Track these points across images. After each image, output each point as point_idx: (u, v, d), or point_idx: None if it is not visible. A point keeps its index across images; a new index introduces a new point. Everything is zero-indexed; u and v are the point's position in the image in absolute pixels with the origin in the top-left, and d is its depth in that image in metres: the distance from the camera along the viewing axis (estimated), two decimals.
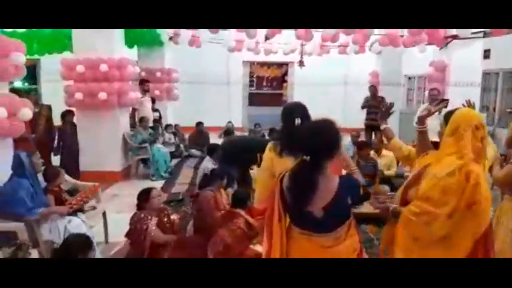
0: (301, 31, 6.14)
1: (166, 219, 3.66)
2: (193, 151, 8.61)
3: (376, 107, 8.46)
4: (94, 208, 3.64)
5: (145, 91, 7.44)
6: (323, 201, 1.79)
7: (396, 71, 10.14)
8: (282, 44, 9.75)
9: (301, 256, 1.85)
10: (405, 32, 6.75)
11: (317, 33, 6.60)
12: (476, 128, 1.89)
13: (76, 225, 3.23)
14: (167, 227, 3.63)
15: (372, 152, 5.87)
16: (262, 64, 13.23)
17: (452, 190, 1.79)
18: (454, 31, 5.96)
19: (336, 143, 1.84)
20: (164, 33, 8.55)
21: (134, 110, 7.35)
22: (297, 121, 2.38)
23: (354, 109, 12.24)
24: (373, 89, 8.66)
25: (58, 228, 3.15)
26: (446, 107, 5.72)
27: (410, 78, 11.22)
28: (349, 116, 11.90)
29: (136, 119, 7.36)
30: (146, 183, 6.54)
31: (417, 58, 9.73)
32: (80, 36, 6.34)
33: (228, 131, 8.97)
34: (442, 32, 6.02)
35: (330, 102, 12.29)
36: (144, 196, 3.43)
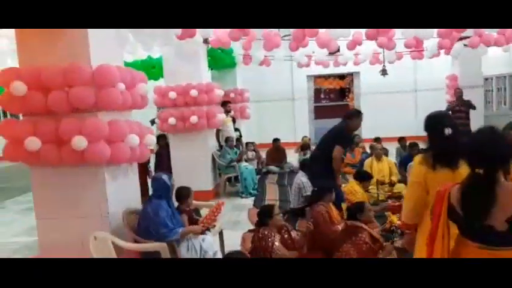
0: (384, 39, 6.08)
1: (286, 236, 3.72)
2: (272, 167, 8.72)
3: (462, 111, 8.14)
4: (214, 226, 3.79)
5: (227, 112, 7.69)
6: (506, 213, 1.72)
7: (476, 73, 9.70)
8: (346, 55, 9.69)
9: None
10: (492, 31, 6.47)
11: (399, 41, 6.49)
12: None
13: (210, 243, 3.38)
14: (289, 243, 3.68)
15: None
16: (326, 77, 13.23)
17: None
18: None
19: (511, 151, 1.80)
20: (238, 55, 8.86)
21: (218, 130, 7.61)
22: (447, 131, 2.31)
23: (423, 116, 11.86)
24: (459, 92, 8.32)
25: (194, 247, 3.31)
26: None
27: (486, 79, 10.70)
28: (420, 124, 11.52)
29: (220, 139, 7.61)
30: (237, 201, 6.77)
31: (493, 58, 9.31)
32: (169, 63, 6.73)
33: (304, 146, 9.00)
34: None
35: (399, 109, 12.03)
36: (268, 213, 3.50)
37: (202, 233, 3.41)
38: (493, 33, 6.20)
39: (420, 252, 2.34)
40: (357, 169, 6.19)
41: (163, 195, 3.28)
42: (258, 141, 10.00)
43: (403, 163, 6.75)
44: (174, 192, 3.58)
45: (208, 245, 3.34)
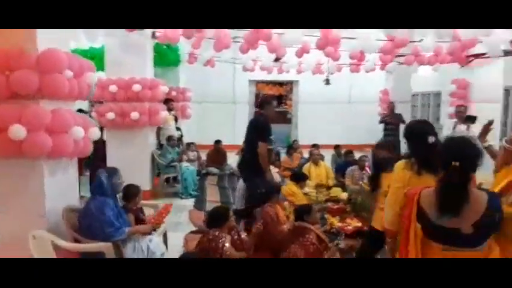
0: (331, 49, 6.33)
1: (236, 237, 3.70)
2: (212, 169, 8.61)
3: (392, 124, 8.73)
4: (159, 226, 3.64)
5: (169, 110, 7.48)
6: (473, 217, 1.81)
7: (406, 89, 10.48)
8: (290, 63, 9.94)
9: None
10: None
11: (344, 53, 6.79)
12: None
13: (157, 243, 3.24)
14: (238, 244, 3.66)
15: None
16: (268, 83, 13.45)
17: None
18: (475, 50, 6.25)
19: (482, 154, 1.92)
20: (183, 53, 8.69)
21: (159, 128, 7.37)
22: (431, 139, 2.42)
23: (357, 127, 12.59)
24: (391, 105, 8.90)
25: (141, 247, 3.15)
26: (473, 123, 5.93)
27: (413, 95, 11.59)
28: (353, 134, 12.20)
29: (161, 138, 7.38)
30: (177, 202, 6.58)
31: (421, 76, 10.14)
32: (112, 55, 6.38)
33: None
34: (465, 51, 6.30)
35: (334, 119, 12.59)
36: (223, 216, 3.46)
37: (149, 233, 3.26)
38: (428, 53, 6.74)
39: None
40: (293, 171, 6.37)
41: (99, 192, 3.08)
42: (197, 142, 9.87)
43: (339, 169, 7.09)
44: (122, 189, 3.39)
45: (155, 246, 3.21)
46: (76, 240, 3.06)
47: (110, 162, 6.43)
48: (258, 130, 4.76)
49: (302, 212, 3.71)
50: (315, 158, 6.70)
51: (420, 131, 2.54)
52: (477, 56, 6.59)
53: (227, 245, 3.45)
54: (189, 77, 10.61)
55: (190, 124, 10.70)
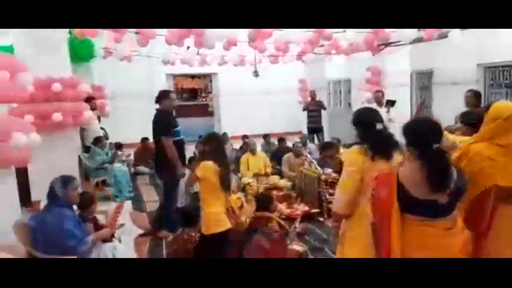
0: (258, 42, 6.46)
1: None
2: (141, 168, 8.31)
3: (316, 111, 9.23)
4: (122, 225, 3.47)
5: (92, 109, 6.97)
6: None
7: (321, 77, 11.09)
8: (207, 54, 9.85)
9: (423, 242, 2.06)
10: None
11: (269, 45, 6.97)
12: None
13: (122, 251, 3.08)
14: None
15: None
16: (186, 76, 13.21)
17: None
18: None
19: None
20: (98, 47, 8.12)
21: (82, 130, 6.84)
22: (379, 126, 2.54)
23: (277, 116, 13.04)
24: (312, 93, 9.38)
25: (107, 256, 2.96)
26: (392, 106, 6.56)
27: (328, 83, 12.34)
28: (274, 123, 12.63)
29: (85, 139, 6.86)
30: (112, 206, 6.21)
31: (333, 65, 10.83)
32: (23, 54, 5.72)
33: None
34: (376, 40, 6.89)
35: (256, 110, 12.86)
36: (192, 217, 3.41)
37: (111, 239, 3.08)
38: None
39: (356, 241, 2.45)
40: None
41: (60, 202, 2.82)
42: (120, 140, 9.37)
43: (274, 157, 7.34)
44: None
45: (121, 254, 3.03)
46: (31, 255, 2.76)
47: (32, 170, 5.82)
48: (158, 126, 4.70)
49: (264, 202, 3.79)
50: (252, 148, 6.82)
51: (369, 118, 2.61)
52: (387, 44, 7.24)
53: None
54: (104, 72, 10.00)
55: (109, 122, 10.10)
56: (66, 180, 2.94)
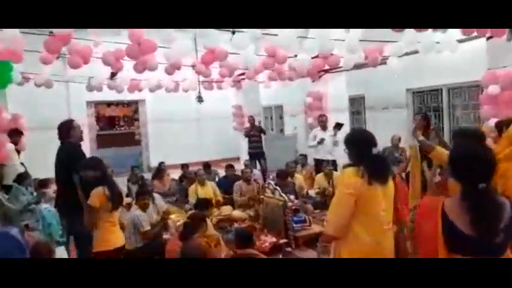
0: (202, 67, 6.23)
1: None
2: None
3: (256, 136, 9.14)
4: None
5: (15, 143, 6.04)
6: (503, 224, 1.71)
7: (256, 103, 11.12)
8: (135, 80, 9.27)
9: None
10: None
11: (214, 70, 6.77)
12: None
13: None
14: None
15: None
16: (109, 103, 12.33)
17: None
18: (326, 66, 7.09)
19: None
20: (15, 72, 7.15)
21: (0, 166, 5.86)
22: (376, 150, 2.46)
23: (207, 143, 12.74)
24: (251, 119, 9.30)
25: None
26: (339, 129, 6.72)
27: (264, 108, 12.47)
28: (204, 150, 12.29)
29: (4, 178, 5.87)
30: None
31: (266, 91, 10.97)
32: None
33: None
34: (317, 67, 7.06)
35: (184, 137, 12.45)
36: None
37: None
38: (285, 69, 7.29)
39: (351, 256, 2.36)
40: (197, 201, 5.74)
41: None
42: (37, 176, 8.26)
43: (222, 185, 7.01)
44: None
45: None
46: None
47: None
48: (69, 160, 3.95)
49: (244, 239, 3.47)
50: (200, 178, 6.42)
51: (365, 141, 2.51)
52: (326, 71, 7.49)
53: None
54: (18, 100, 8.90)
55: (26, 156, 8.91)
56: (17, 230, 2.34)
